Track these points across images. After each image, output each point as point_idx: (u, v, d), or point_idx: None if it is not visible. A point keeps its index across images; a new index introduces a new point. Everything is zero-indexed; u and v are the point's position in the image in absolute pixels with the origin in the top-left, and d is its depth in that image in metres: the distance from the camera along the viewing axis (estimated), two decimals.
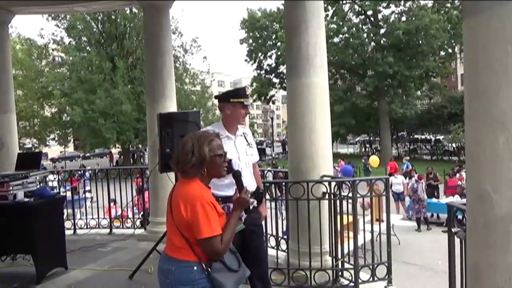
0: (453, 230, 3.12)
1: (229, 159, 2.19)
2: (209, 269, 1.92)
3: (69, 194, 7.32)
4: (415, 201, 12.04)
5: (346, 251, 4.21)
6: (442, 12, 27.56)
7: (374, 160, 18.93)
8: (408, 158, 21.94)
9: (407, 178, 14.25)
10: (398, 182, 13.68)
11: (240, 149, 2.93)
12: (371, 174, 18.33)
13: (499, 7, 1.78)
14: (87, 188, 9.23)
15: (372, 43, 29.38)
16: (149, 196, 6.48)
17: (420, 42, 27.43)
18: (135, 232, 6.21)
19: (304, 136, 4.24)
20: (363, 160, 21.97)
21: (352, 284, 3.91)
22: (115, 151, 34.93)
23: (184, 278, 1.93)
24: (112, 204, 8.81)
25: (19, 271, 4.56)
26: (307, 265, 4.02)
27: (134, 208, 7.52)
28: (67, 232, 5.49)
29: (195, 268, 1.93)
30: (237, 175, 2.17)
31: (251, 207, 2.23)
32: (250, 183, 2.91)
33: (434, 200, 12.72)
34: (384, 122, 29.69)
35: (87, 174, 8.05)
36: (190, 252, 1.94)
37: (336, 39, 29.35)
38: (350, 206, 4.17)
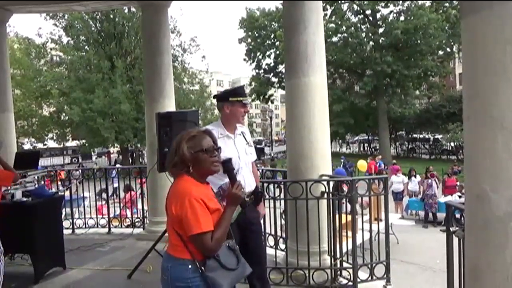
0: (451, 229, 3.12)
1: (228, 158, 2.16)
2: (203, 268, 1.90)
3: (67, 193, 7.30)
4: (428, 197, 12.15)
5: (344, 250, 4.21)
6: (441, 11, 27.60)
7: (361, 165, 18.71)
8: (380, 157, 22.16)
9: (408, 178, 14.38)
10: (399, 181, 13.73)
11: (240, 148, 2.92)
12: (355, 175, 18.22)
13: (498, 6, 1.78)
14: (115, 185, 9.28)
15: (371, 43, 29.41)
16: (136, 196, 6.50)
17: (419, 41, 27.45)
18: (134, 232, 6.20)
19: (303, 135, 4.24)
20: (341, 159, 21.82)
21: (350, 283, 3.92)
22: (113, 150, 34.97)
23: (179, 276, 1.93)
24: (103, 202, 8.83)
25: (17, 270, 4.55)
26: (306, 264, 4.02)
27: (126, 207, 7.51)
28: (66, 232, 5.47)
29: (189, 266, 1.92)
30: (228, 168, 2.07)
31: (247, 204, 2.17)
32: (250, 183, 2.91)
33: None
34: (383, 121, 29.72)
35: (113, 172, 8.19)
36: (184, 249, 1.93)
37: (334, 39, 29.36)
38: (348, 205, 4.17)
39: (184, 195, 1.90)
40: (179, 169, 1.98)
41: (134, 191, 6.83)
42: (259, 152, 28.27)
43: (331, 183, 4.07)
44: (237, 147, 2.89)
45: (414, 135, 36.68)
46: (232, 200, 2.00)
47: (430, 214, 12.15)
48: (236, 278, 2.00)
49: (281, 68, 31.88)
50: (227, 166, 2.08)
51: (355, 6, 29.54)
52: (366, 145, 41.47)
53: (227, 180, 2.15)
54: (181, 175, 1.98)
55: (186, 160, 1.96)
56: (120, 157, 32.11)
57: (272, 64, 34.91)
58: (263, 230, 3.57)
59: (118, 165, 14.78)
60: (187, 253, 1.93)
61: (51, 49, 26.57)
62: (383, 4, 28.54)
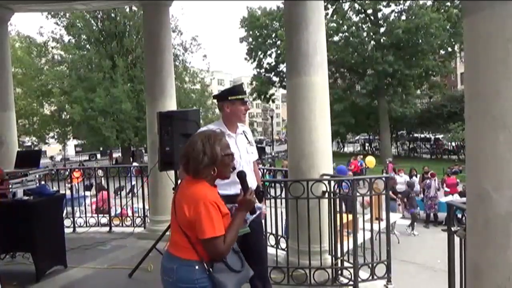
0: (452, 229, 3.11)
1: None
2: (211, 269, 1.90)
3: (68, 192, 7.31)
4: (427, 198, 12.14)
5: (345, 249, 4.21)
6: (442, 10, 27.57)
7: (370, 161, 18.82)
8: (361, 156, 22.28)
9: (409, 177, 14.40)
10: (401, 181, 13.74)
11: (241, 147, 2.92)
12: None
13: (499, 6, 1.77)
14: (133, 183, 9.34)
15: (372, 42, 29.38)
16: (108, 195, 6.64)
17: (420, 41, 27.43)
18: (135, 231, 6.21)
19: (304, 135, 4.24)
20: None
21: (351, 282, 3.92)
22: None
23: (186, 277, 1.92)
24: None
25: (18, 269, 4.56)
26: (307, 263, 4.02)
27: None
28: (67, 231, 5.48)
29: (196, 267, 1.91)
30: (242, 176, 2.11)
31: (256, 210, 2.19)
32: (251, 182, 2.90)
33: None
34: (384, 121, 29.70)
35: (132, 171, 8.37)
36: (192, 251, 1.92)
37: (336, 38, 29.35)
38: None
39: (199, 199, 1.89)
40: (209, 170, 1.96)
41: (106, 189, 6.95)
42: (260, 151, 28.24)
43: (332, 183, 4.07)
44: (238, 146, 2.89)
45: (415, 135, 36.66)
46: (245, 205, 2.03)
47: (431, 214, 12.17)
48: (240, 280, 2.00)
49: (282, 67, 31.85)
50: (240, 174, 2.11)
51: (356, 6, 29.49)
52: (367, 144, 41.45)
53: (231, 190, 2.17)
54: (202, 178, 1.97)
55: (216, 162, 1.96)
56: (120, 156, 32.13)
57: (273, 64, 34.87)
58: (264, 230, 3.57)
59: (135, 163, 14.95)
60: (194, 254, 1.92)
61: (52, 48, 26.58)
62: (384, 3, 28.50)
